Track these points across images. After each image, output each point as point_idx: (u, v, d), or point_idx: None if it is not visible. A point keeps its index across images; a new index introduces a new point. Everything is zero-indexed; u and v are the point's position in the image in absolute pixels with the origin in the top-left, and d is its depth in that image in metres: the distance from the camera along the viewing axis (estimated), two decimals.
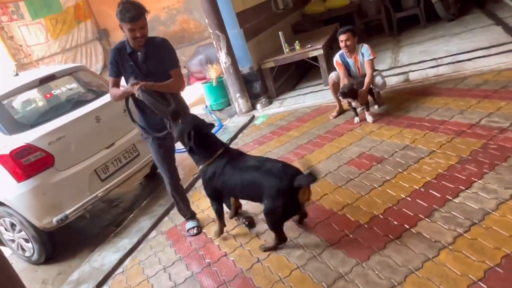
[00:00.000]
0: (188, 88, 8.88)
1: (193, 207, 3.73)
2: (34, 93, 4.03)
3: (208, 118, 6.41)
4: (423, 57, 5.65)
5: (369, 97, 4.43)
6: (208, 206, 3.60)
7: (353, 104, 4.29)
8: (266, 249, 2.74)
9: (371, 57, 4.26)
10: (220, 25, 5.47)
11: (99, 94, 4.08)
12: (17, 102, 3.82)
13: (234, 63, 5.69)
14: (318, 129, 4.54)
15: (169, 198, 3.96)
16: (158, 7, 10.83)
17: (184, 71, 11.01)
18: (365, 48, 4.31)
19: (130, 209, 4.21)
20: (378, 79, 4.38)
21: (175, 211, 3.77)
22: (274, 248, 2.71)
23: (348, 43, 4.30)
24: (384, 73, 5.45)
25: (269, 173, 2.51)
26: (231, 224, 3.19)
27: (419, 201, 2.70)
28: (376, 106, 4.56)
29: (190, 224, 3.33)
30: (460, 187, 2.69)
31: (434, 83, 4.68)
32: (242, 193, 2.76)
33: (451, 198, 2.61)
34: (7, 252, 3.95)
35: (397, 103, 4.46)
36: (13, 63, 7.03)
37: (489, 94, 3.88)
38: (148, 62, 2.84)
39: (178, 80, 2.91)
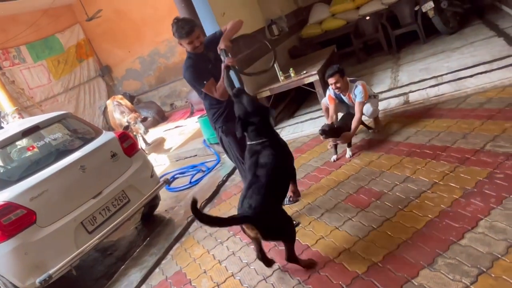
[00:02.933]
0: (190, 121, 8.83)
1: (185, 255, 3.55)
2: (16, 146, 3.94)
3: (207, 152, 6.28)
4: (423, 75, 5.44)
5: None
6: (201, 254, 3.42)
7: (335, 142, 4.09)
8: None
9: (363, 100, 4.07)
10: None
11: (85, 141, 3.97)
12: None
13: None
14: (316, 160, 4.33)
15: (161, 247, 3.80)
16: (157, 40, 10.96)
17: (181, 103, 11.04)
18: (358, 90, 4.08)
19: (123, 258, 4.02)
20: (368, 108, 4.18)
21: (166, 261, 3.59)
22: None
23: (338, 85, 4.14)
24: (384, 95, 5.28)
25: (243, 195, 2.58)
26: (222, 277, 2.98)
27: (420, 244, 2.45)
28: (371, 131, 4.41)
29: None
30: (465, 226, 2.43)
31: (436, 103, 4.45)
32: None
33: (455, 240, 2.36)
34: None
35: (397, 128, 4.24)
36: (12, 108, 7.03)
37: (493, 114, 3.63)
38: (218, 57, 3.18)
39: (233, 22, 3.29)
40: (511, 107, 3.63)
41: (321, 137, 4.04)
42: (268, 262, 2.73)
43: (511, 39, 5.32)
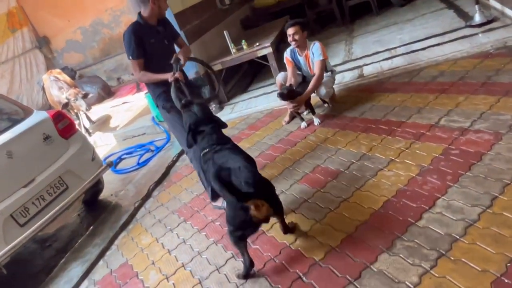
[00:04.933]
0: (138, 96, 8.33)
1: (131, 245, 3.29)
2: None
3: (156, 130, 5.93)
4: (377, 48, 5.37)
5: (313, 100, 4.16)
6: (149, 243, 3.17)
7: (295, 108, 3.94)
8: (239, 276, 2.40)
9: (321, 57, 3.88)
10: None
11: (12, 123, 3.52)
12: None
13: None
14: (270, 137, 4.15)
15: (105, 236, 3.51)
16: (100, 8, 10.11)
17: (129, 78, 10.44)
18: (316, 47, 3.92)
19: (64, 250, 3.68)
20: (322, 90, 4.00)
21: (110, 252, 3.32)
22: (245, 276, 2.37)
23: (296, 37, 3.92)
24: (339, 68, 5.14)
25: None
26: (171, 268, 2.77)
27: (378, 226, 2.35)
28: (326, 105, 4.29)
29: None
30: (423, 206, 2.36)
31: (389, 77, 4.38)
32: None
33: (413, 222, 2.28)
34: None
35: (352, 103, 4.12)
36: None
37: (447, 88, 3.59)
38: (167, 33, 3.24)
39: (186, 44, 3.49)
40: (463, 80, 3.61)
41: (279, 99, 3.91)
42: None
43: (460, 11, 5.35)
